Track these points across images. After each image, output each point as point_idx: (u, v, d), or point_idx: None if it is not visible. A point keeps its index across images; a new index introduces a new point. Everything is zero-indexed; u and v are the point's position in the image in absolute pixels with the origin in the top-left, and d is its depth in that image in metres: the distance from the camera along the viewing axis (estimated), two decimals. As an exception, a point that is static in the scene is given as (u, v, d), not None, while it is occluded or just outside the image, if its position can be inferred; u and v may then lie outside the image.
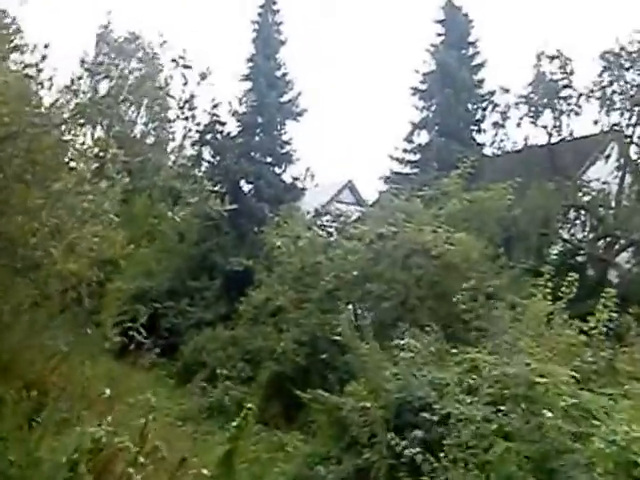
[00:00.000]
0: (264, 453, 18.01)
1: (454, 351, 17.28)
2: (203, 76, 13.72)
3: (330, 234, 25.61)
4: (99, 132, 50.18)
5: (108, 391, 12.98)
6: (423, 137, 37.58)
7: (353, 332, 16.61)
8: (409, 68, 38.05)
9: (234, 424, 14.02)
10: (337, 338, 18.34)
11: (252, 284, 26.95)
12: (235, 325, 27.49)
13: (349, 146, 70.81)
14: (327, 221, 26.20)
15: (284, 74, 37.45)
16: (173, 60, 13.65)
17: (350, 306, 21.54)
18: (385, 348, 16.36)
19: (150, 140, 49.74)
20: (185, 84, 13.76)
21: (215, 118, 36.59)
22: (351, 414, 14.59)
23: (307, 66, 71.36)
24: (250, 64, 37.00)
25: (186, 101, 14.06)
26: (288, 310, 22.88)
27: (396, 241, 22.30)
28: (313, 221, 26.51)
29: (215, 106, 34.61)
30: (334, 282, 22.21)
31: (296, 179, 36.72)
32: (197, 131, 36.81)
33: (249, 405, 14.33)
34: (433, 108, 37.17)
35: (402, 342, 15.86)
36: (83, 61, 49.56)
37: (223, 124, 36.90)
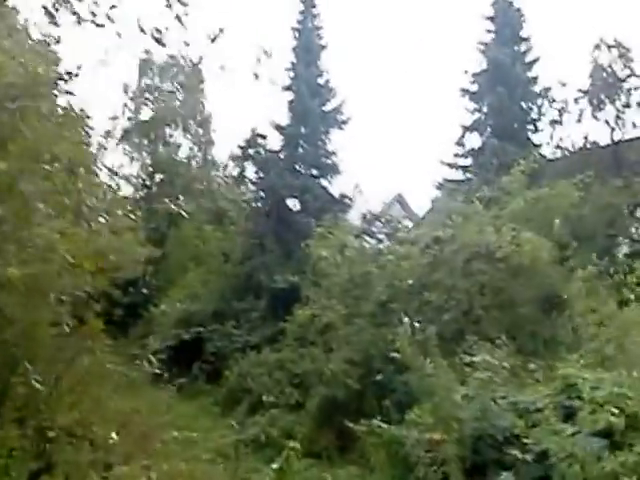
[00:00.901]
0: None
1: (532, 367, 14.02)
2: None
3: (380, 241, 22.22)
4: (144, 157, 48.74)
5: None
6: (475, 140, 34.00)
7: (414, 348, 13.20)
8: (457, 69, 34.88)
9: (274, 466, 11.02)
10: (395, 355, 15.13)
11: (299, 302, 23.74)
12: (282, 347, 24.30)
13: (396, 154, 64.21)
14: (376, 228, 22.77)
15: (326, 81, 34.34)
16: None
17: (406, 319, 18.05)
18: (450, 366, 13.01)
19: (196, 163, 47.48)
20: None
21: (256, 132, 33.72)
22: (416, 449, 11.29)
23: (349, 71, 65.48)
24: (291, 73, 33.94)
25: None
26: (337, 327, 19.50)
27: (455, 245, 18.98)
28: (361, 228, 23.09)
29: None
30: (387, 292, 18.90)
31: (344, 196, 33.35)
32: (239, 147, 34.11)
33: (292, 444, 11.31)
34: (485, 109, 33.60)
35: (473, 358, 12.47)
36: (126, 87, 47.89)
37: (264, 137, 33.96)
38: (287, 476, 11.29)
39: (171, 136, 47.49)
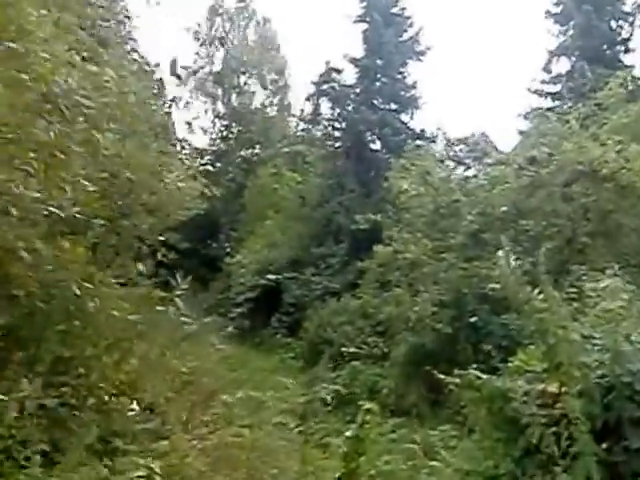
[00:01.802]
0: (400, 465, 12.19)
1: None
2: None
3: (468, 167, 19.20)
4: (219, 107, 46.57)
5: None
6: (563, 65, 30.35)
7: (517, 278, 10.36)
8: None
9: (348, 433, 8.50)
10: (491, 292, 12.48)
11: (382, 242, 21.07)
12: (363, 292, 21.67)
13: (480, 86, 59.37)
14: (463, 153, 19.62)
15: (402, 10, 31.06)
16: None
17: (501, 252, 15.23)
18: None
19: (272, 110, 45.11)
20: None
21: (330, 66, 30.89)
22: (526, 405, 8.56)
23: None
24: (364, 3, 30.79)
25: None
26: (422, 264, 16.71)
27: (553, 165, 15.93)
28: (446, 154, 19.99)
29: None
30: (479, 221, 16.05)
31: (425, 132, 30.15)
32: (312, 83, 31.36)
33: (367, 405, 8.76)
34: (571, 32, 29.88)
35: (594, 284, 9.61)
36: (197, 34, 45.68)
37: (339, 72, 31.10)
38: (364, 443, 8.78)
39: (246, 84, 45.29)
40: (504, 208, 15.87)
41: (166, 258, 12.57)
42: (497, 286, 11.31)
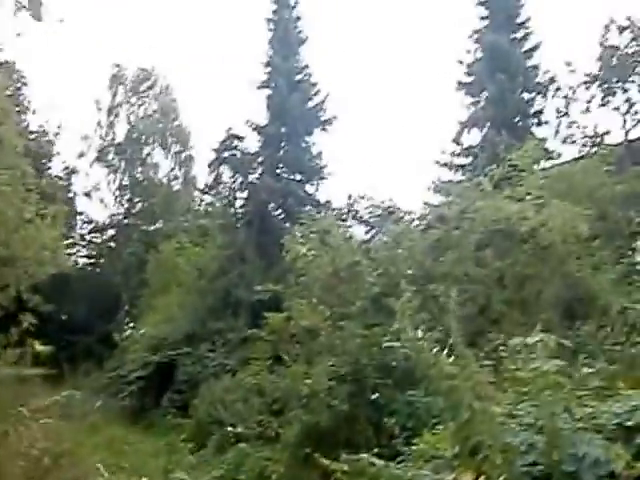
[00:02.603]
0: None
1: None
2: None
3: (370, 226, 17.02)
4: (120, 178, 44.23)
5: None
6: (474, 136, 29.07)
7: (424, 343, 8.15)
8: (450, 62, 30.10)
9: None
10: (394, 365, 10.40)
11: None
12: (258, 367, 19.16)
13: (386, 158, 58.29)
14: (365, 209, 17.44)
15: (307, 75, 29.46)
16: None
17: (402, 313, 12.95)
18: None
19: (176, 183, 42.99)
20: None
21: (231, 132, 28.95)
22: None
23: (330, 69, 55.48)
24: (268, 69, 29.15)
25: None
26: (318, 332, 14.35)
27: (465, 224, 14.06)
28: (345, 212, 17.80)
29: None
30: (381, 284, 13.87)
31: (331, 203, 28.13)
32: (213, 150, 29.33)
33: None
34: (483, 102, 28.73)
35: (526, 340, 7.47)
36: (98, 104, 43.63)
37: (241, 138, 29.15)
38: None
39: (149, 155, 43.18)
40: (409, 271, 13.78)
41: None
42: (402, 356, 9.29)
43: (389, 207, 16.18)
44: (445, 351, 7.52)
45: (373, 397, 12.76)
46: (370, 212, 16.24)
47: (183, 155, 43.16)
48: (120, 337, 30.00)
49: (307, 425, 13.54)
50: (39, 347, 46.23)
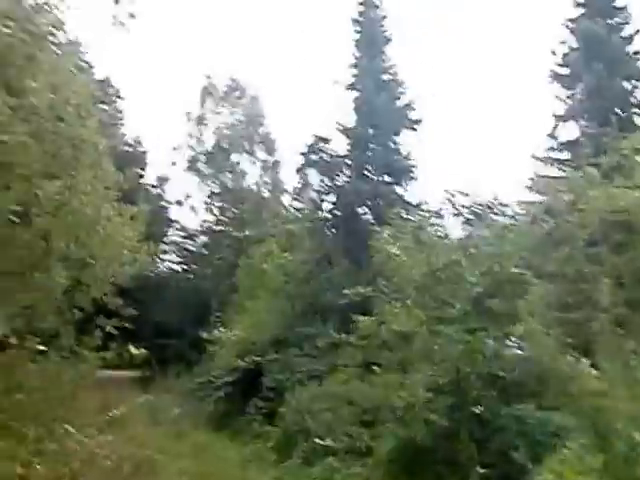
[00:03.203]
0: None
1: None
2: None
3: (469, 222, 15.05)
4: (211, 186, 43.54)
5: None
6: (572, 130, 26.60)
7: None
8: (543, 55, 27.76)
9: None
10: (502, 375, 8.65)
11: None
12: (347, 374, 17.52)
13: (478, 155, 53.15)
14: (463, 205, 15.48)
15: (394, 75, 27.69)
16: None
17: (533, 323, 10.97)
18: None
19: (264, 189, 41.96)
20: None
21: (318, 136, 27.48)
22: None
23: (416, 66, 49.51)
24: (354, 70, 27.56)
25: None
26: (412, 338, 12.59)
27: (575, 218, 12.14)
28: (440, 210, 15.85)
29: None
30: (484, 283, 12.00)
31: (422, 204, 26.28)
32: (301, 154, 27.93)
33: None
34: (579, 95, 26.26)
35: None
36: (188, 115, 43.06)
37: (327, 141, 27.57)
38: None
39: (237, 163, 42.30)
40: (514, 268, 11.91)
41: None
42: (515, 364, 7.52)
43: (489, 202, 14.29)
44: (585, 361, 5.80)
45: (476, 411, 11.03)
46: (468, 208, 14.34)
47: (271, 161, 42.25)
48: (209, 341, 28.76)
49: (402, 440, 11.88)
50: (134, 350, 45.28)
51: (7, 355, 13.81)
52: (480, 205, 13.78)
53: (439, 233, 14.40)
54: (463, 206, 13.77)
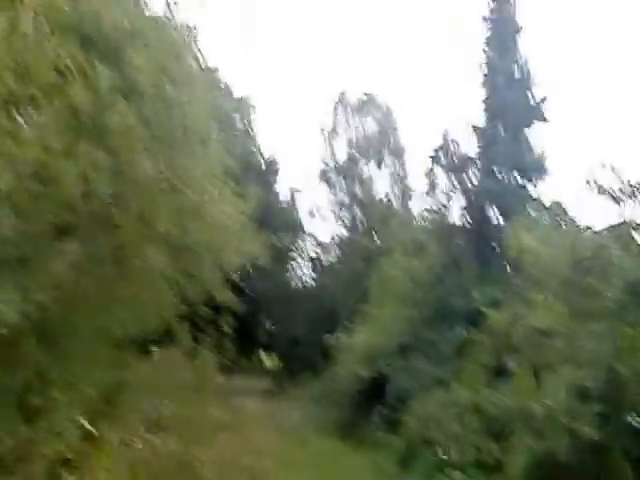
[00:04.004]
0: None
1: None
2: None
3: (619, 202, 12.43)
4: (342, 197, 41.99)
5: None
6: None
7: None
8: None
9: None
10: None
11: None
12: (473, 379, 15.15)
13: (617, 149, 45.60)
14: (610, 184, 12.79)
15: (525, 71, 24.97)
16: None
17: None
18: None
19: (394, 199, 39.88)
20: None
21: (448, 137, 25.23)
22: None
23: (543, 57, 43.63)
24: (484, 68, 25.10)
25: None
26: (555, 335, 10.19)
27: None
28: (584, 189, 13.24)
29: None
30: None
31: (556, 203, 23.45)
32: (430, 157, 25.81)
33: None
34: None
35: None
36: (323, 129, 41.72)
37: (457, 143, 25.26)
38: None
39: (367, 172, 40.48)
40: None
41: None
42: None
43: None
44: None
45: (633, 422, 8.61)
46: (617, 187, 11.75)
47: (400, 171, 40.24)
48: (335, 348, 27.03)
49: (539, 455, 9.55)
50: (267, 360, 44.28)
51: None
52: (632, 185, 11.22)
53: (580, 222, 11.96)
54: (611, 187, 11.25)
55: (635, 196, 10.85)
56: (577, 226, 12.13)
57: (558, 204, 14.69)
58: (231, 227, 12.78)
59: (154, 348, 14.67)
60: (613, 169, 11.28)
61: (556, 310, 10.02)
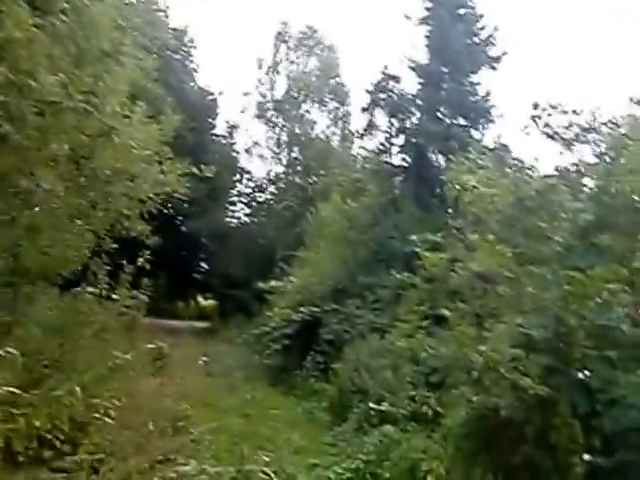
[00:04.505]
0: None
1: None
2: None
3: (569, 144, 11.46)
4: (279, 134, 40.68)
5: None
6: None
7: None
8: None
9: None
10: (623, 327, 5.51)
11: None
12: (410, 325, 14.28)
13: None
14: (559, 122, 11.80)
15: (471, 8, 23.79)
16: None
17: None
18: None
19: (332, 139, 38.79)
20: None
21: (387, 73, 24.03)
22: None
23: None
24: (427, 3, 23.83)
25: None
26: (497, 281, 9.32)
27: None
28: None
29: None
30: (594, 211, 8.63)
31: (501, 148, 22.49)
32: (367, 92, 24.57)
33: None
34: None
35: None
36: (260, 62, 40.08)
37: (397, 79, 24.08)
38: None
39: (307, 111, 39.17)
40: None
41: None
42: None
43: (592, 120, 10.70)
44: None
45: (582, 376, 7.82)
46: (566, 127, 10.75)
47: (340, 111, 39.03)
48: (269, 292, 26.06)
49: (479, 409, 8.75)
50: (203, 301, 43.10)
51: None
52: (581, 125, 10.24)
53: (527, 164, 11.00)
54: (559, 122, 10.29)
55: (584, 138, 9.95)
56: (523, 167, 11.12)
57: (504, 146, 13.68)
58: (144, 154, 11.56)
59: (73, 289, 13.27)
60: (561, 110, 10.32)
61: (499, 253, 9.10)
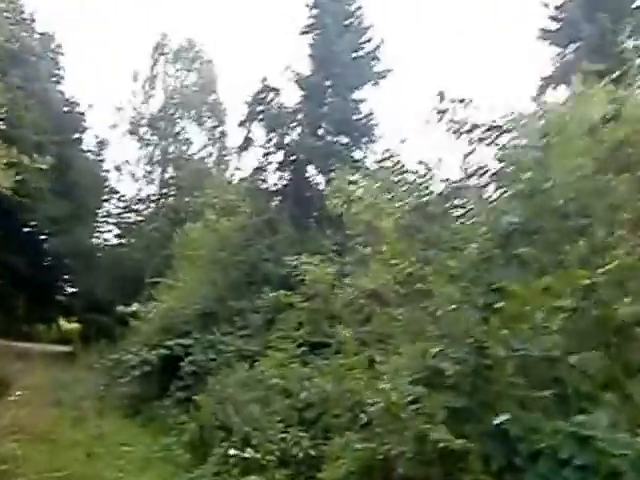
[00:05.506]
0: None
1: None
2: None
3: (475, 141, 9.89)
4: (153, 152, 38.10)
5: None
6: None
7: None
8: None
9: None
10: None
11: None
12: (289, 357, 12.22)
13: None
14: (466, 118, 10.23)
15: (358, 19, 22.34)
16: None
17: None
18: None
19: (210, 159, 36.69)
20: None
21: (266, 84, 22.11)
22: None
23: (387, 15, 43.97)
24: (313, 11, 22.23)
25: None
26: (388, 301, 7.38)
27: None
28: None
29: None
30: (521, 213, 6.85)
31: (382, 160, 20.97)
32: (245, 103, 22.65)
33: None
34: (572, 55, 20.79)
35: None
36: (136, 74, 37.49)
37: (276, 91, 22.15)
38: None
39: (183, 129, 36.86)
40: (561, 200, 6.78)
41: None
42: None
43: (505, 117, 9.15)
44: None
45: (499, 421, 5.96)
46: (476, 125, 9.11)
47: (217, 131, 36.96)
48: (133, 316, 23.62)
49: (368, 460, 6.77)
50: (67, 324, 39.29)
51: None
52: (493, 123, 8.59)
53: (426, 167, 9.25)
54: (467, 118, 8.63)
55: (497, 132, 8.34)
56: (421, 172, 9.41)
57: (395, 155, 11.99)
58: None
59: None
60: (469, 101, 8.68)
61: (395, 268, 7.26)
